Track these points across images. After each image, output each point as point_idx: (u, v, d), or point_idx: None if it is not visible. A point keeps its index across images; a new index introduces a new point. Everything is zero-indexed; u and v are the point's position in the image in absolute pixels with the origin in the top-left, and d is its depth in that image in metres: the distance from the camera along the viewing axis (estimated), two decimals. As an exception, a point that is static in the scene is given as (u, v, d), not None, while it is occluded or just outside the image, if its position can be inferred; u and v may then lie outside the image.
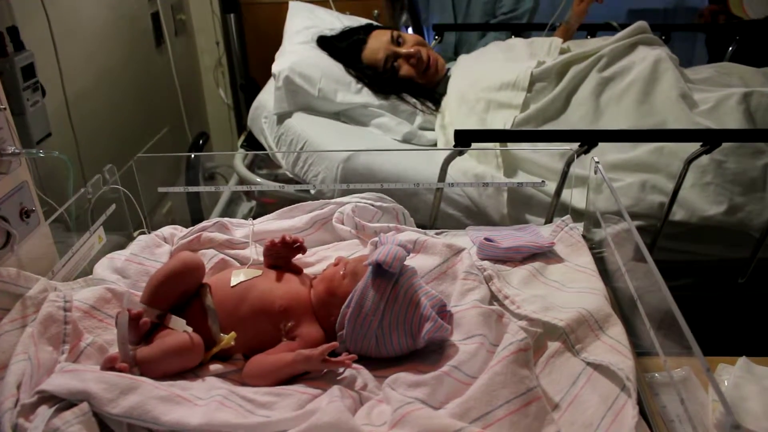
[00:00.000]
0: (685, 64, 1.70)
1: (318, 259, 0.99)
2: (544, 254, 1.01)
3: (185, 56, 2.55)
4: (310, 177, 1.50)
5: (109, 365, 0.75)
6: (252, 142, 1.72)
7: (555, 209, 1.32)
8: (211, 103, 2.68)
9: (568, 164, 1.25)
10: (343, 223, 1.05)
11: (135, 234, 1.13)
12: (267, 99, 1.67)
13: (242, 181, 1.59)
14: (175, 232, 1.04)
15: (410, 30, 2.66)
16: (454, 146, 1.28)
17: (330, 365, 0.76)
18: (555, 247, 1.03)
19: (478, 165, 1.44)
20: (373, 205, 1.06)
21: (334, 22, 1.94)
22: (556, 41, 1.76)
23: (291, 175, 1.56)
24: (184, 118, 2.47)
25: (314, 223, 1.05)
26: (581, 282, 0.92)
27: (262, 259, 0.92)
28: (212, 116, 2.68)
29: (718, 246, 1.40)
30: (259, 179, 1.57)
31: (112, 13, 2.01)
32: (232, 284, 0.84)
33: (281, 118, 1.61)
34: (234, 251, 0.99)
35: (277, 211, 1.08)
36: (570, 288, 0.91)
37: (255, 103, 1.73)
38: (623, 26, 1.98)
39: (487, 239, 1.00)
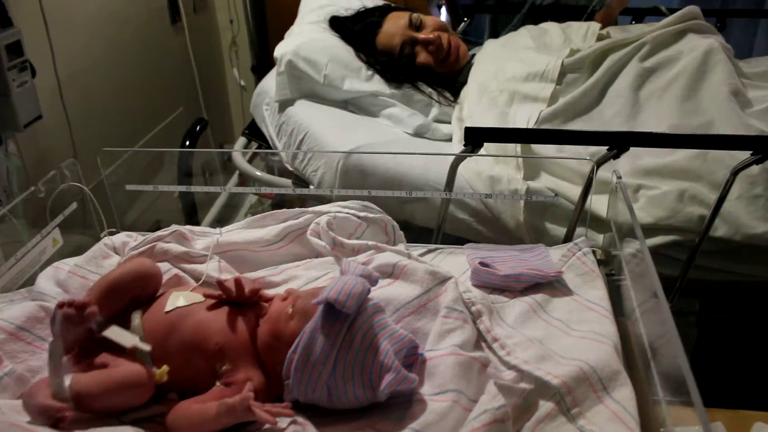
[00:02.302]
0: (744, 54, 1.50)
1: (285, 279, 0.86)
2: (551, 284, 0.86)
3: (204, 34, 2.44)
4: (309, 172, 1.37)
5: (37, 403, 0.65)
6: (254, 131, 1.60)
7: (576, 224, 1.16)
8: (232, 83, 2.58)
9: (590, 179, 1.09)
10: (319, 237, 0.91)
11: (102, 234, 1.03)
12: (270, 84, 1.54)
13: (241, 174, 1.47)
14: (128, 240, 0.92)
15: (444, 9, 2.49)
16: (464, 145, 1.13)
17: (260, 417, 0.63)
18: (564, 276, 0.87)
19: (494, 165, 1.29)
20: (357, 216, 0.92)
21: (354, 1, 1.79)
22: (594, 26, 1.58)
23: (291, 168, 1.44)
24: (201, 100, 2.37)
25: (287, 234, 0.92)
26: (590, 323, 0.77)
27: (220, 276, 0.80)
28: (233, 98, 2.58)
29: (765, 267, 1.23)
30: (258, 173, 1.45)
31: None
32: (166, 309, 0.71)
33: (283, 105, 1.48)
34: (191, 266, 0.87)
35: (247, 219, 0.96)
36: (575, 331, 0.76)
37: (258, 89, 1.60)
38: (673, 12, 1.79)
39: (482, 263, 0.85)
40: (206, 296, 0.74)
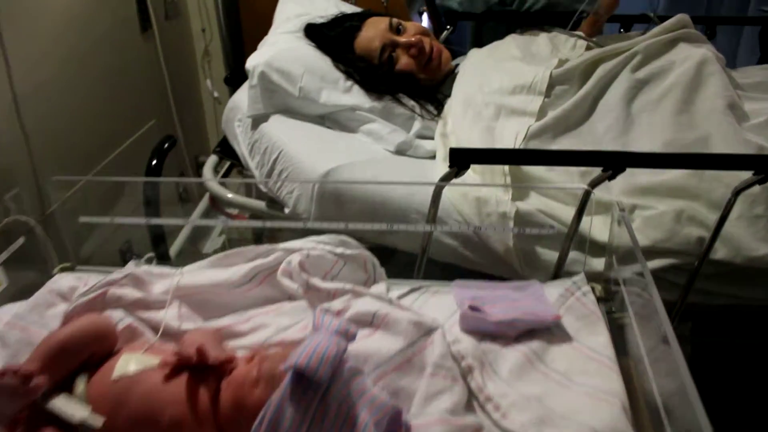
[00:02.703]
0: (730, 62, 1.44)
1: (254, 327, 0.77)
2: (548, 328, 0.78)
3: (177, 42, 2.34)
4: (284, 194, 1.29)
5: None
6: (226, 148, 1.50)
7: (569, 249, 1.08)
8: (207, 93, 2.47)
9: (584, 203, 1.02)
10: (291, 277, 0.82)
11: (54, 271, 0.94)
12: (243, 98, 1.44)
13: (212, 195, 1.38)
14: (78, 285, 0.82)
15: (425, 17, 2.41)
16: (449, 167, 1.05)
17: None
18: (562, 320, 0.79)
19: (481, 186, 1.21)
20: (333, 253, 0.84)
21: (331, 9, 1.70)
22: (581, 42, 1.52)
23: (264, 190, 1.35)
24: (173, 111, 2.26)
25: (255, 275, 0.83)
26: (593, 377, 0.69)
27: (182, 328, 0.71)
28: (208, 109, 2.47)
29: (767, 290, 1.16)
30: (229, 195, 1.36)
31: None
32: (113, 376, 0.62)
33: (256, 121, 1.39)
34: (148, 313, 0.77)
35: (212, 257, 0.87)
36: (577, 385, 0.68)
37: (229, 103, 1.51)
38: (663, 19, 1.73)
39: (472, 307, 0.77)
40: (162, 363, 0.65)
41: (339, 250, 0.84)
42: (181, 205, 2.38)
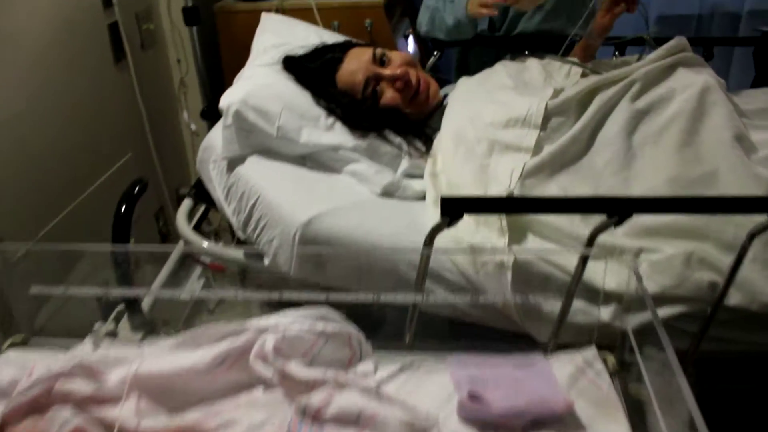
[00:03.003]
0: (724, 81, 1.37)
1: (222, 423, 0.67)
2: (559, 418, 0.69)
3: (154, 72, 2.24)
4: (263, 242, 1.19)
5: None
6: (202, 190, 1.41)
7: (572, 301, 1.00)
8: (186, 126, 2.38)
9: (584, 260, 0.93)
10: (266, 360, 0.73)
11: (4, 347, 0.84)
12: (217, 138, 1.34)
13: (186, 243, 1.28)
14: (19, 377, 0.72)
15: (410, 41, 2.33)
16: (441, 216, 0.96)
17: None
18: (574, 406, 0.70)
19: (475, 230, 1.13)
20: (313, 330, 0.74)
21: (311, 38, 1.61)
22: (576, 69, 1.44)
23: (242, 237, 1.25)
24: (151, 143, 2.17)
25: (225, 359, 0.73)
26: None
27: (141, 426, 0.62)
28: (188, 140, 2.37)
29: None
30: (205, 243, 1.26)
31: (52, 26, 1.71)
32: None
33: (232, 163, 1.29)
34: (102, 409, 0.68)
35: (176, 338, 0.77)
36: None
37: (204, 142, 1.41)
38: (657, 40, 1.66)
39: (472, 394, 0.68)
40: None
41: (320, 326, 0.75)
42: (160, 241, 2.29)
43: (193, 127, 1.78)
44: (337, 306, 0.80)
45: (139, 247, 1.26)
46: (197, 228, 1.41)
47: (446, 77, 1.77)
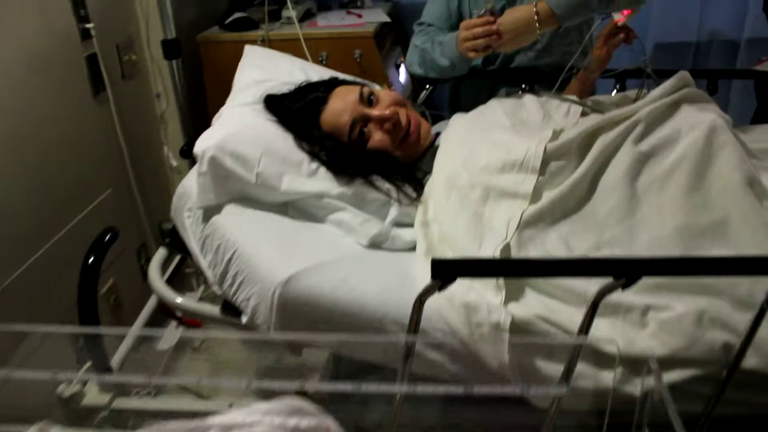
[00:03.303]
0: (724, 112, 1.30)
1: None
2: None
3: (136, 104, 2.16)
4: (240, 300, 1.10)
5: None
6: (177, 239, 1.31)
7: (575, 364, 0.91)
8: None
9: (588, 321, 0.84)
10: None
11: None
12: (193, 184, 1.25)
13: (160, 300, 1.19)
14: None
15: (402, 70, 2.26)
16: (432, 278, 0.87)
17: None
18: None
19: (469, 286, 1.04)
20: (284, 428, 0.65)
21: (296, 73, 1.53)
22: (575, 108, 1.36)
23: (218, 293, 1.16)
24: (132, 178, 2.08)
25: (181, 465, 0.64)
26: None
27: None
28: (171, 176, 2.29)
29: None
30: (179, 299, 1.17)
31: (27, 58, 1.63)
32: None
33: (208, 212, 1.20)
34: None
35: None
36: None
37: (179, 189, 1.32)
38: (660, 73, 1.58)
39: None
40: None
41: (292, 422, 0.65)
42: (142, 278, 2.19)
43: (174, 163, 1.69)
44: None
45: (93, 330, 1.17)
46: (173, 278, 1.32)
47: (439, 112, 1.69)
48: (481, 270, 0.86)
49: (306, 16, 2.23)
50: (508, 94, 1.64)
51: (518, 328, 1.00)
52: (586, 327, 0.90)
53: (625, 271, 0.86)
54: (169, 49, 1.91)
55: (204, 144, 1.19)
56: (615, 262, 0.87)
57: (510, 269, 0.87)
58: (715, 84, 1.65)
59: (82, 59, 1.86)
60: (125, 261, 2.14)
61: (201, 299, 1.17)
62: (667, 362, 0.99)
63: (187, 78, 2.12)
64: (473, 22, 1.46)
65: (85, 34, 1.85)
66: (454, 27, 1.71)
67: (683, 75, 1.27)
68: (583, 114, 1.37)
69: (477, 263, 0.86)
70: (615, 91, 1.68)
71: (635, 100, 1.43)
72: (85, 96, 1.89)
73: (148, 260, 2.27)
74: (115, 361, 1.35)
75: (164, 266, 1.33)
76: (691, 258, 0.95)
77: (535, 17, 1.42)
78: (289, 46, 2.01)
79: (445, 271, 0.85)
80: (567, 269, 0.87)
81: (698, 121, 1.16)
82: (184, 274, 1.85)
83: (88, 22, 1.85)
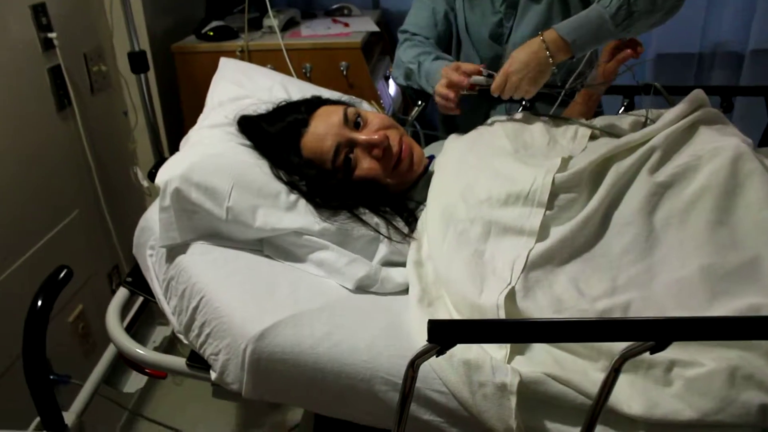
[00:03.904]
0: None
1: None
2: None
3: (107, 119, 2.01)
4: (208, 354, 0.96)
5: None
6: (140, 279, 1.17)
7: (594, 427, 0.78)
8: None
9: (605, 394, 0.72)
10: None
11: None
12: (155, 218, 1.10)
13: (120, 350, 1.05)
14: None
15: (392, 82, 2.12)
16: (428, 340, 0.74)
17: None
18: None
19: (470, 345, 0.90)
20: None
21: (276, 89, 1.39)
22: (584, 130, 1.23)
23: (186, 342, 1.02)
24: (101, 199, 1.93)
25: None
26: None
27: None
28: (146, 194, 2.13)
29: None
30: (140, 350, 1.03)
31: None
32: None
33: (172, 252, 1.06)
34: None
35: None
36: None
37: (141, 222, 1.17)
38: (671, 89, 1.46)
39: None
40: None
41: None
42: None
43: (144, 184, 1.55)
44: None
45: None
46: (134, 322, 1.18)
47: (433, 132, 1.56)
48: (487, 334, 0.72)
49: (289, 25, 2.10)
50: (507, 112, 1.51)
51: (526, 387, 0.87)
52: (605, 394, 0.77)
53: (655, 335, 0.73)
54: (136, 62, 1.75)
55: (167, 174, 1.04)
56: (643, 324, 0.74)
57: (521, 333, 0.74)
58: (730, 102, 1.53)
59: (44, 71, 1.71)
60: (95, 285, 1.99)
61: (179, 332, 1.03)
62: (696, 427, 0.86)
63: (161, 92, 1.97)
64: (455, 80, 1.31)
65: (48, 44, 1.70)
66: (441, 37, 1.58)
67: (698, 94, 1.15)
68: (592, 137, 1.25)
69: (482, 325, 0.72)
70: (622, 108, 1.55)
71: (645, 121, 1.30)
72: (48, 111, 1.74)
73: (124, 279, 2.13)
74: (76, 408, 1.21)
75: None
76: (737, 319, 0.82)
77: (546, 51, 1.24)
78: (270, 57, 1.88)
79: (444, 335, 0.72)
80: (589, 332, 0.74)
81: (719, 146, 1.04)
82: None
83: (51, 30, 1.70)
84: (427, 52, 1.49)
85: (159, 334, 1.40)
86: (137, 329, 1.30)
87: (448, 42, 1.60)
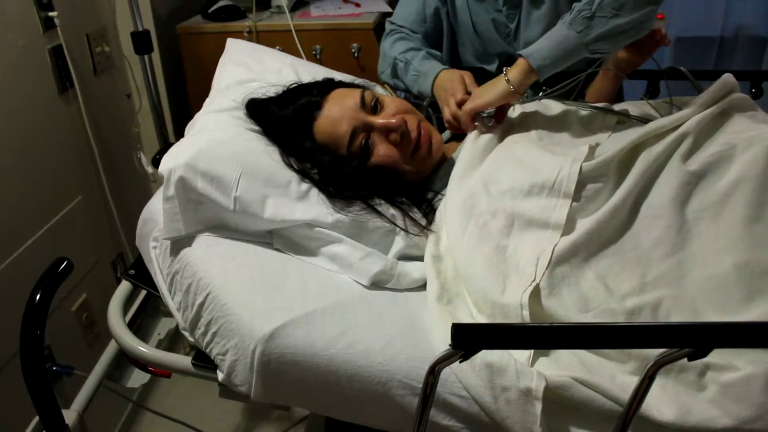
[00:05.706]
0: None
1: None
2: None
3: (111, 101, 1.95)
4: (214, 354, 0.91)
5: None
6: (143, 271, 1.12)
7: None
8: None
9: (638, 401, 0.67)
10: None
11: None
12: (159, 208, 1.03)
13: (122, 348, 1.00)
14: None
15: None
16: (451, 346, 0.68)
17: None
18: None
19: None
20: None
21: (286, 71, 1.33)
22: (610, 119, 1.17)
23: (191, 340, 0.97)
24: (105, 184, 1.87)
25: None
26: None
27: None
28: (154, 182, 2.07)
29: None
30: (143, 348, 0.98)
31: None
32: None
33: (177, 245, 1.00)
34: None
35: None
36: None
37: (144, 213, 1.11)
38: (696, 73, 1.39)
39: None
40: None
41: None
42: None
43: (149, 170, 1.48)
44: None
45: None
46: (139, 314, 1.13)
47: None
48: (515, 340, 0.67)
49: (298, 5, 2.03)
50: (526, 97, 1.45)
51: (553, 394, 0.82)
52: (637, 402, 0.72)
53: (695, 342, 0.68)
54: (140, 42, 1.69)
55: (171, 162, 0.98)
56: (683, 330, 0.68)
57: (551, 338, 0.68)
58: (759, 87, 1.46)
59: (45, 52, 1.65)
60: (99, 273, 1.94)
61: (184, 329, 0.98)
62: (733, 433, 0.81)
63: (166, 74, 1.91)
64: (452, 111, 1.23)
65: (49, 24, 1.64)
66: (429, 33, 1.50)
67: (728, 78, 1.09)
68: (619, 122, 1.18)
69: (509, 331, 0.67)
70: (646, 94, 1.48)
71: (670, 107, 1.24)
72: (50, 93, 1.69)
73: (126, 271, 2.09)
74: (77, 406, 1.17)
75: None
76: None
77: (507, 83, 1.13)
78: (279, 38, 1.82)
79: (469, 341, 0.67)
80: (624, 339, 0.68)
81: (754, 135, 0.98)
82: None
83: (52, 9, 1.64)
84: (415, 49, 1.42)
85: (164, 326, 1.35)
86: (141, 321, 1.26)
87: (436, 39, 1.53)
